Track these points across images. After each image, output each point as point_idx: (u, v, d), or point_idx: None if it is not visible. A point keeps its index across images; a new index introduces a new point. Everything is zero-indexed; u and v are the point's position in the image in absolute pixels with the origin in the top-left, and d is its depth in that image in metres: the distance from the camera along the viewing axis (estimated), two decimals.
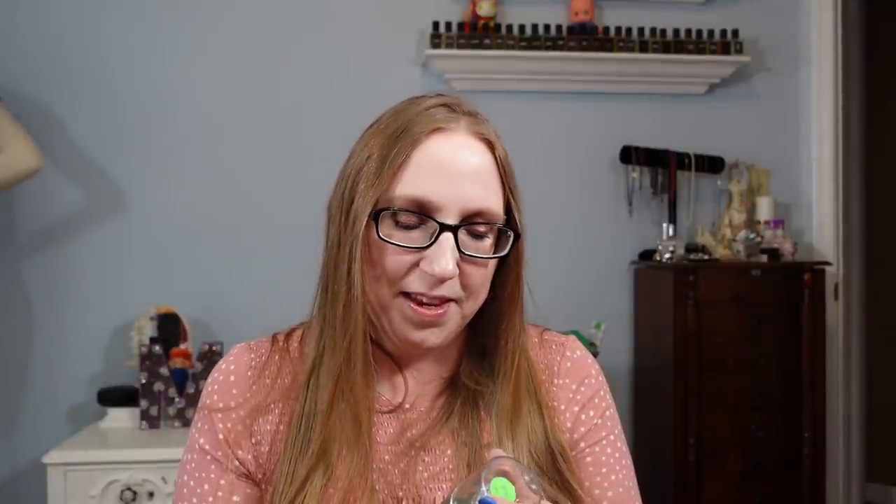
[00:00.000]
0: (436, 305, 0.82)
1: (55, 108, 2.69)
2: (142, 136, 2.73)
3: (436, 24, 2.76)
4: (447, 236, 0.81)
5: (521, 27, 2.79)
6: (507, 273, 0.88)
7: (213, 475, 0.88)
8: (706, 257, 2.75)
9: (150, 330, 2.59)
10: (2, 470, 2.66)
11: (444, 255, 0.80)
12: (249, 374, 0.90)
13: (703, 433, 2.58)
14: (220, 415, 0.88)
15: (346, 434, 0.83)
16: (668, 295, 2.63)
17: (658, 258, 2.74)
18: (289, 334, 0.94)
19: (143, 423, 2.42)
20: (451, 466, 0.86)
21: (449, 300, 0.83)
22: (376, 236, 0.81)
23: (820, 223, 3.01)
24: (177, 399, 2.43)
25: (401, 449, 0.87)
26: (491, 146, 0.85)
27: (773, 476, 2.63)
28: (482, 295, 0.86)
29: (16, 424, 2.67)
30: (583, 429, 0.92)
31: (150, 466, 2.23)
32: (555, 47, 2.80)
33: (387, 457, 0.86)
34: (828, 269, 2.78)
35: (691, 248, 2.79)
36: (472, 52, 2.76)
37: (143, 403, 2.43)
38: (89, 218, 2.71)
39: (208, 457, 0.88)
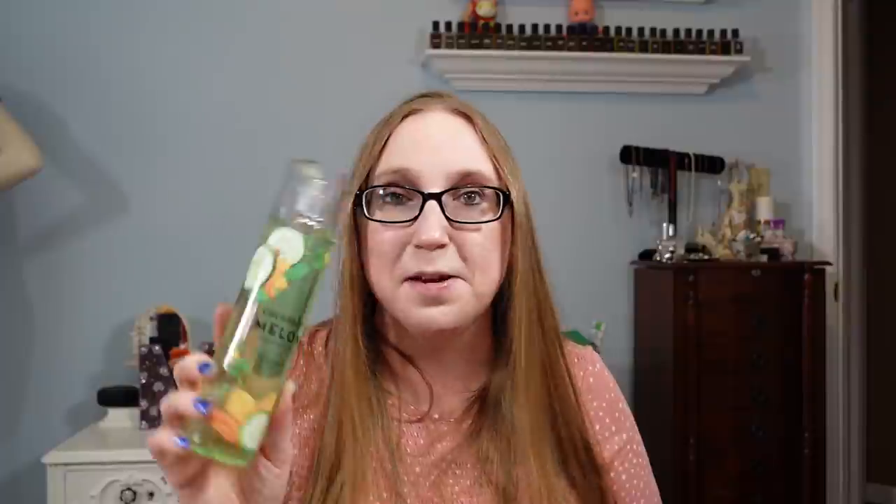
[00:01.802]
0: (437, 281, 0.79)
1: (55, 108, 2.69)
2: (142, 136, 2.73)
3: (436, 24, 2.76)
4: (431, 204, 0.79)
5: (521, 27, 2.79)
6: (515, 247, 0.84)
7: None
8: (706, 257, 2.75)
9: (150, 330, 2.59)
10: (2, 470, 2.66)
11: (426, 222, 0.78)
12: None
13: (703, 433, 2.58)
14: None
15: (350, 441, 0.81)
16: (668, 295, 2.63)
17: (658, 258, 2.74)
18: (312, 336, 0.91)
19: (143, 423, 2.42)
20: (481, 481, 0.84)
21: (452, 276, 0.79)
22: (367, 220, 0.82)
23: (820, 223, 3.01)
24: None
25: (431, 461, 0.85)
26: (469, 119, 0.84)
27: (773, 476, 2.63)
28: (491, 268, 0.82)
29: (16, 424, 2.67)
30: (608, 446, 0.91)
31: (150, 466, 2.23)
32: (555, 47, 2.80)
33: (417, 469, 0.84)
34: (828, 269, 2.78)
35: (691, 248, 2.79)
36: (472, 52, 2.76)
37: (143, 403, 2.42)
38: (89, 218, 2.71)
39: None
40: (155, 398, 2.43)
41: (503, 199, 0.82)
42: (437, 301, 0.79)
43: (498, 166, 0.83)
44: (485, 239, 0.81)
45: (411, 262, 0.79)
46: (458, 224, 0.80)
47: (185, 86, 2.75)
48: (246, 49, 2.78)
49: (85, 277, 2.70)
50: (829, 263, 2.80)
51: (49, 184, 2.63)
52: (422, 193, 0.79)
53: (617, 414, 0.93)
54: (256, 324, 0.59)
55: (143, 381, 2.42)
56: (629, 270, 2.92)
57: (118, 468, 2.23)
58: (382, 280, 0.81)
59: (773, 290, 2.67)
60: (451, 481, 0.84)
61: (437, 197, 0.79)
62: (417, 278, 0.79)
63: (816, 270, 2.69)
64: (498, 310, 0.87)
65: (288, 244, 0.61)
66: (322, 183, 0.63)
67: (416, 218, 0.79)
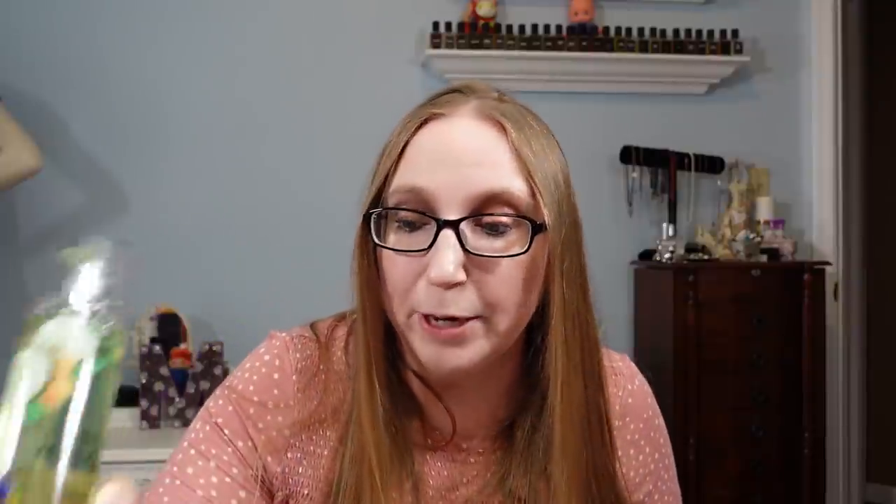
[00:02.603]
0: (451, 322, 0.69)
1: (56, 108, 2.69)
2: (142, 136, 2.74)
3: (436, 25, 2.76)
4: (446, 234, 0.67)
5: (521, 27, 2.79)
6: (551, 279, 0.71)
7: (224, 457, 0.74)
8: (706, 257, 2.75)
9: (150, 330, 2.59)
10: None
11: (438, 256, 0.67)
12: (295, 378, 0.77)
13: (703, 433, 2.58)
14: (252, 409, 0.76)
15: (368, 490, 0.73)
16: (668, 295, 2.63)
17: (658, 258, 2.74)
18: (331, 334, 0.81)
19: (144, 423, 2.42)
20: None
21: (466, 318, 0.69)
22: (381, 245, 0.71)
23: (820, 223, 3.01)
24: (177, 399, 2.43)
25: (454, 502, 0.78)
26: (502, 128, 0.71)
27: (773, 476, 2.64)
28: (516, 308, 0.70)
29: None
30: (642, 470, 0.86)
31: (150, 466, 2.23)
32: (555, 47, 2.80)
33: (441, 503, 0.78)
34: (828, 269, 2.78)
35: (691, 248, 2.79)
36: (472, 52, 2.76)
37: (144, 403, 2.43)
38: (90, 218, 2.71)
39: (224, 437, 0.75)
40: (155, 398, 2.43)
41: (533, 228, 0.69)
42: (450, 343, 0.69)
43: (533, 184, 0.70)
44: (510, 274, 0.69)
45: (423, 299, 0.69)
46: (477, 257, 0.68)
47: (186, 86, 2.75)
48: (246, 49, 2.78)
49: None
50: (828, 263, 2.80)
51: (49, 184, 2.63)
52: (436, 220, 0.68)
53: (653, 433, 0.87)
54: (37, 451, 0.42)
55: (144, 381, 2.42)
56: (629, 270, 2.92)
57: (118, 468, 2.23)
58: (394, 310, 0.72)
59: (773, 290, 2.67)
60: None
61: (453, 225, 0.67)
62: (426, 317, 0.69)
63: (816, 270, 2.70)
64: (532, 340, 0.77)
65: (66, 337, 0.45)
66: (100, 264, 0.48)
67: (430, 247, 0.68)
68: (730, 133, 2.95)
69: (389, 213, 0.71)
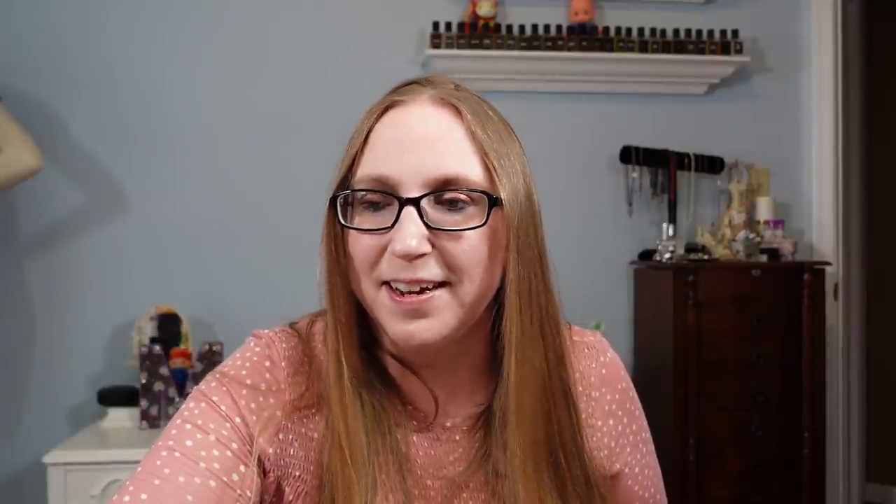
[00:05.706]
0: (417, 293, 0.73)
1: (57, 108, 2.69)
2: (143, 136, 2.74)
3: (436, 24, 2.76)
4: (408, 210, 0.72)
5: (521, 27, 2.79)
6: (509, 252, 0.75)
7: (223, 431, 0.76)
8: (706, 257, 2.75)
9: (150, 330, 2.59)
10: (2, 470, 2.67)
11: (401, 230, 0.72)
12: (284, 364, 0.81)
13: (703, 433, 2.58)
14: (245, 391, 0.78)
15: (341, 479, 0.75)
16: (668, 295, 2.63)
17: (658, 258, 2.74)
18: (310, 330, 0.85)
19: (144, 423, 2.43)
20: (493, 501, 0.81)
21: (433, 286, 0.73)
22: (346, 226, 0.76)
23: (820, 223, 3.01)
24: (177, 399, 2.44)
25: (444, 480, 0.81)
26: (458, 112, 0.76)
27: (773, 476, 2.64)
28: (478, 276, 0.74)
29: (16, 424, 2.67)
30: (622, 440, 0.89)
31: None
32: (555, 47, 2.80)
33: (429, 482, 0.81)
34: (828, 269, 2.78)
35: (691, 248, 2.79)
36: (472, 52, 2.76)
37: (144, 403, 2.43)
38: (90, 218, 2.71)
39: (221, 413, 0.77)
40: (155, 398, 2.43)
41: (490, 202, 0.74)
42: (417, 314, 0.73)
43: (489, 163, 0.75)
44: (470, 246, 0.74)
45: (388, 269, 0.74)
46: (439, 231, 0.73)
47: (185, 86, 2.75)
48: (246, 50, 2.78)
49: (85, 277, 2.70)
50: (828, 263, 2.80)
51: (50, 184, 2.64)
52: (398, 199, 0.73)
53: (629, 405, 0.90)
54: None
55: (144, 381, 2.42)
56: (629, 270, 2.92)
57: (118, 468, 2.23)
58: (363, 286, 0.76)
59: (773, 290, 2.67)
60: (465, 496, 0.81)
61: (414, 202, 0.73)
62: (395, 285, 0.74)
63: (816, 270, 2.69)
64: (497, 318, 0.80)
65: None
66: None
67: (392, 224, 0.73)
68: (730, 133, 2.95)
69: (355, 197, 0.76)
